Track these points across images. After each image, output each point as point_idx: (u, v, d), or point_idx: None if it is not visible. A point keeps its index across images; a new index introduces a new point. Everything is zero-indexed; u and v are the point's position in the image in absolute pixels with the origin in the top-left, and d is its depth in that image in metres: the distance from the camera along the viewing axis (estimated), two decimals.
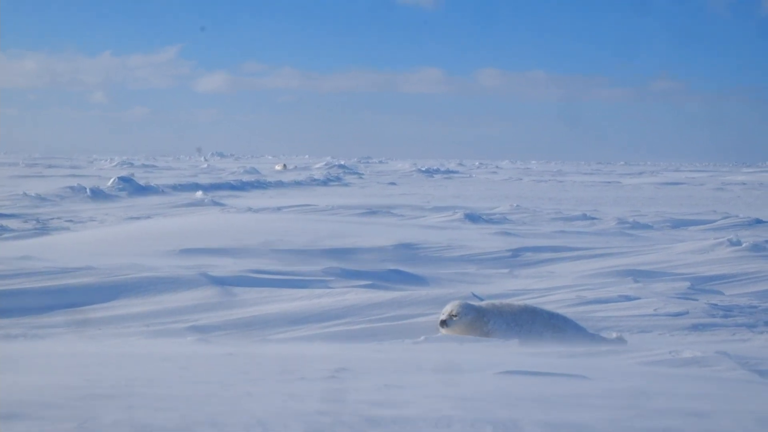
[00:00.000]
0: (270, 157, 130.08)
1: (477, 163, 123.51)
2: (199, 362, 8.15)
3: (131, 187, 37.95)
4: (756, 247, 18.33)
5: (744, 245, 18.43)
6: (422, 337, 10.36)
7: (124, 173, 45.57)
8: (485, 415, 5.91)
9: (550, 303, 12.28)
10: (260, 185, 46.81)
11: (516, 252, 18.13)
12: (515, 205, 31.81)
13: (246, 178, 51.93)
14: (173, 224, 21.55)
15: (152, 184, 40.50)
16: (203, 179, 48.53)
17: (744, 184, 66.77)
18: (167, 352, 8.98)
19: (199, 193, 36.61)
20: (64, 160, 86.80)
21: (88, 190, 34.35)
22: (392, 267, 15.62)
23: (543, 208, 31.29)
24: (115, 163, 72.91)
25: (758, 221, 28.08)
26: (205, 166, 77.20)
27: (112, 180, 38.74)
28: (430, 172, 73.39)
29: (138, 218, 24.51)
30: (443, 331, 10.41)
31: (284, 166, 71.69)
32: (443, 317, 10.44)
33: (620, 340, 10.30)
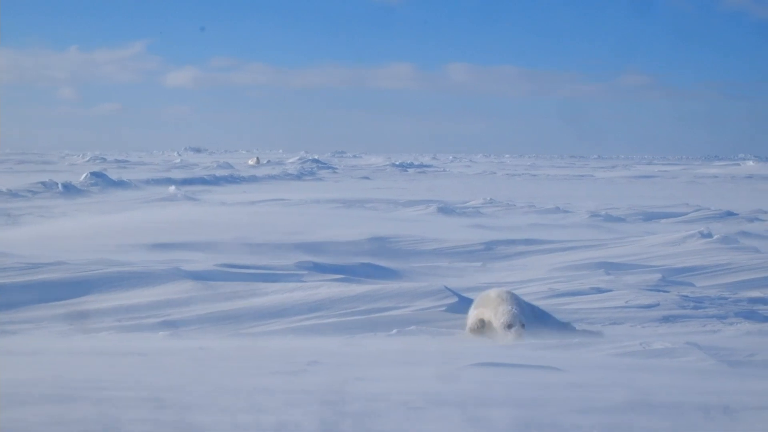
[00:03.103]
0: (244, 152, 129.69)
1: (451, 158, 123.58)
2: (170, 357, 8.13)
3: (103, 182, 37.74)
4: (727, 239, 18.45)
5: (715, 237, 18.55)
6: (394, 330, 10.38)
7: (96, 169, 45.34)
8: (456, 407, 5.93)
9: (523, 296, 12.30)
10: (234, 180, 46.68)
11: (489, 245, 18.17)
12: (489, 198, 31.86)
13: (219, 172, 51.77)
14: (146, 219, 21.48)
15: (125, 179, 40.31)
16: (176, 174, 48.36)
17: (716, 177, 67.18)
18: (138, 347, 8.96)
19: (172, 188, 36.45)
20: (35, 156, 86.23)
21: (59, 186, 34.14)
22: (365, 261, 15.62)
23: (516, 202, 31.35)
24: (87, 159, 72.46)
25: (729, 213, 28.26)
26: (179, 161, 76.88)
27: (84, 175, 38.51)
28: (403, 167, 73.36)
29: (110, 213, 24.40)
30: (510, 334, 9.87)
31: (257, 160, 71.46)
32: (510, 320, 9.94)
33: (596, 333, 10.31)
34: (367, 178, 55.51)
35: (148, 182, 40.74)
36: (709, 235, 18.68)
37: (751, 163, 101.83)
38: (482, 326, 10.12)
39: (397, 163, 78.50)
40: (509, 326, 9.94)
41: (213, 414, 5.61)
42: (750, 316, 11.93)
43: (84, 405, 5.76)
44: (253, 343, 9.40)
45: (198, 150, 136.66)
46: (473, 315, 10.32)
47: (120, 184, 38.32)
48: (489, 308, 10.13)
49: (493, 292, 10.46)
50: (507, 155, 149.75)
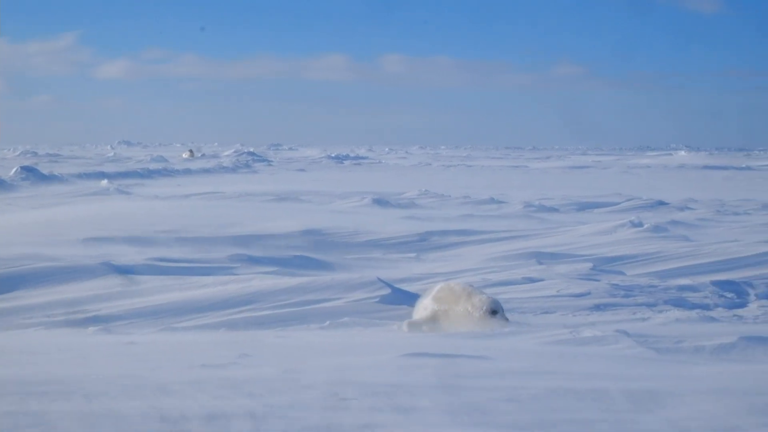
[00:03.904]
0: (179, 145, 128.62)
1: (387, 149, 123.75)
2: (99, 352, 8.05)
3: (34, 176, 37.20)
4: (657, 228, 18.70)
5: (645, 226, 18.79)
6: (327, 322, 10.36)
7: (27, 163, 44.65)
8: (385, 397, 5.94)
9: (450, 281, 12.35)
10: (167, 173, 46.28)
11: (423, 236, 18.22)
12: (423, 190, 31.96)
13: (153, 166, 51.29)
14: (76, 213, 21.21)
15: (56, 173, 39.78)
16: (109, 168, 47.80)
17: (648, 167, 68.06)
18: (67, 342, 8.86)
19: (105, 182, 36.04)
20: None
21: None
22: (299, 253, 15.58)
23: (451, 193, 31.46)
24: (17, 153, 71.36)
25: (660, 203, 28.65)
26: (112, 154, 76.02)
27: (14, 169, 37.92)
28: (339, 159, 73.28)
29: (40, 208, 24.06)
30: (494, 321, 9.73)
31: (191, 153, 70.81)
32: (493, 306, 9.79)
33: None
34: (302, 170, 55.38)
35: (80, 176, 40.24)
36: (640, 225, 18.92)
37: (683, 153, 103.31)
38: (437, 319, 9.94)
39: (333, 155, 78.42)
40: (494, 312, 9.81)
41: (140, 408, 5.57)
42: (679, 303, 12.10)
43: (11, 400, 5.69)
44: (184, 337, 9.33)
45: (129, 143, 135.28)
46: (431, 308, 10.02)
47: (51, 178, 37.81)
48: (459, 302, 9.95)
49: (455, 286, 10.23)
50: (443, 147, 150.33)
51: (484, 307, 9.79)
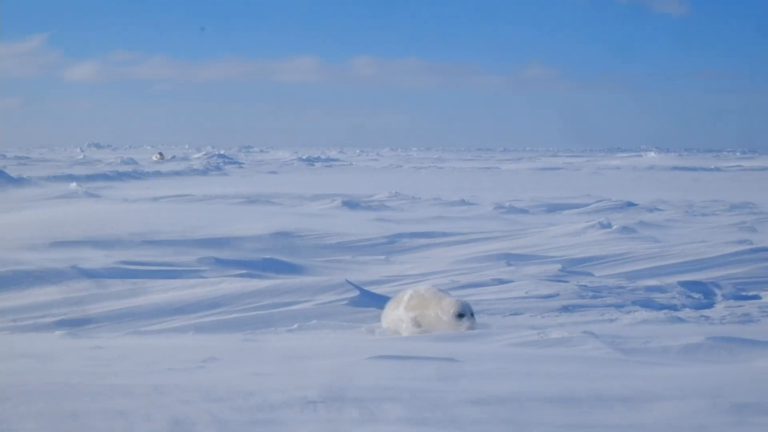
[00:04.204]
0: (149, 148, 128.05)
1: (358, 151, 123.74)
2: (64, 356, 7.99)
3: (2, 179, 36.90)
4: (626, 230, 18.79)
5: (614, 227, 18.88)
6: (295, 325, 10.34)
7: None
8: (352, 401, 5.92)
9: (416, 287, 12.35)
10: (137, 176, 46.06)
11: (392, 238, 18.22)
12: (394, 192, 31.97)
13: (123, 168, 51.01)
14: (44, 216, 21.07)
15: (25, 176, 39.49)
16: (78, 170, 47.52)
17: (618, 168, 68.40)
18: (33, 347, 8.79)
19: (74, 185, 35.85)
20: None
21: None
22: (268, 256, 15.54)
23: (421, 195, 31.50)
24: None
25: (630, 204, 28.79)
26: (81, 157, 75.59)
27: None
28: (311, 161, 73.16)
29: (8, 212, 23.87)
30: (461, 323, 9.68)
31: (161, 156, 70.48)
32: (460, 309, 9.73)
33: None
34: (273, 172, 55.29)
35: (49, 179, 39.99)
36: (609, 226, 19.01)
37: (652, 154, 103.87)
38: (419, 326, 9.88)
39: (304, 157, 78.33)
40: (460, 315, 9.75)
41: (104, 411, 5.53)
42: (646, 304, 12.16)
43: None
44: (151, 341, 9.28)
45: (99, 146, 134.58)
46: (408, 318, 9.90)
47: (19, 181, 37.52)
48: (429, 306, 9.90)
49: (425, 291, 10.16)
50: (414, 148, 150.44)
51: (452, 311, 9.77)
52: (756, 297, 13.03)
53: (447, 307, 9.77)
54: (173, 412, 5.55)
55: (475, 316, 9.89)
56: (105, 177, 43.51)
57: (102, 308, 11.22)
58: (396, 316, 10.03)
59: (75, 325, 10.56)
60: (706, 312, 11.93)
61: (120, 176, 44.69)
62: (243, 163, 66.98)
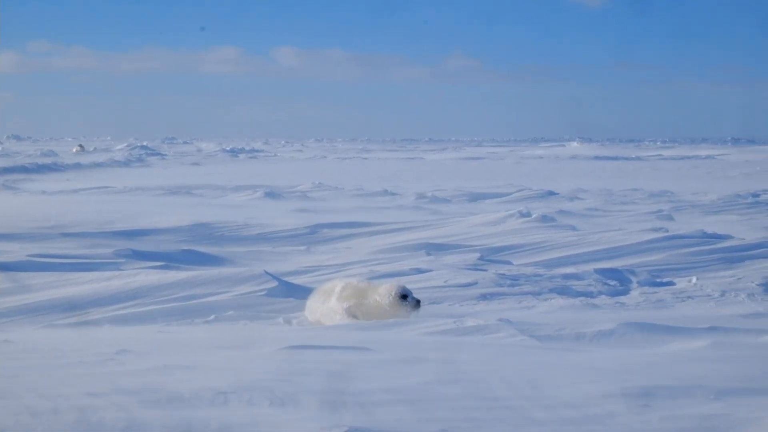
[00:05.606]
0: (70, 140, 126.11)
1: (283, 143, 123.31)
2: None
3: None
4: (545, 218, 18.95)
5: (533, 216, 19.03)
6: (212, 317, 10.27)
7: None
8: (264, 390, 5.90)
9: (345, 278, 12.34)
10: (57, 168, 45.35)
11: (313, 229, 18.17)
12: (317, 182, 31.91)
13: (42, 160, 50.18)
14: None
15: None
16: None
17: (541, 158, 69.05)
18: None
19: None
20: None
21: None
22: (187, 247, 15.41)
23: (344, 185, 31.48)
24: None
25: (550, 193, 29.09)
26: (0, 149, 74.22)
27: None
28: (235, 152, 72.70)
29: None
30: (406, 304, 9.71)
31: (81, 147, 69.45)
32: (402, 290, 9.73)
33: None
34: (197, 164, 54.82)
35: None
36: (528, 215, 19.16)
37: (575, 144, 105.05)
38: (354, 317, 9.78)
39: (228, 148, 77.82)
40: (404, 296, 9.75)
41: (9, 406, 5.43)
42: (563, 291, 12.28)
43: None
44: (64, 334, 9.14)
45: (18, 138, 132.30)
46: (342, 309, 9.79)
47: None
48: (366, 295, 9.80)
49: (355, 282, 10.08)
50: (339, 140, 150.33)
51: (393, 292, 9.75)
52: (670, 283, 13.23)
53: (387, 290, 9.75)
54: (79, 406, 5.48)
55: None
56: (23, 169, 42.77)
57: (15, 302, 11.01)
58: (328, 308, 9.89)
59: None
60: (622, 299, 12.09)
61: (39, 168, 43.98)
62: (166, 155, 66.32)
